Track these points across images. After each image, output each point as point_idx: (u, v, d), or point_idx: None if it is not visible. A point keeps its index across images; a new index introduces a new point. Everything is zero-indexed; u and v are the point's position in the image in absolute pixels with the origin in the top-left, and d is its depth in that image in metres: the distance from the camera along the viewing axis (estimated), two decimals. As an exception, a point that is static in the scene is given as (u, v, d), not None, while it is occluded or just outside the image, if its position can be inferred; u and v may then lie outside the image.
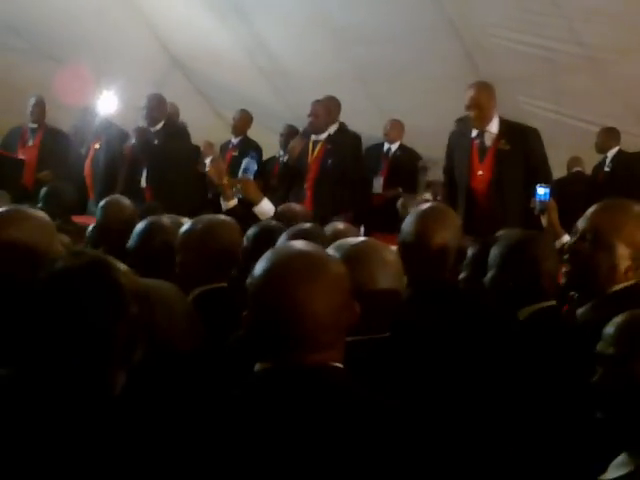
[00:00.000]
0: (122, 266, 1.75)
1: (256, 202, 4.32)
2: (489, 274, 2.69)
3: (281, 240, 2.66)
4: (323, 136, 6.31)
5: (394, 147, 7.40)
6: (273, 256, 1.64)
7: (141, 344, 1.71)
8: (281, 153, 7.40)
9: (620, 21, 6.53)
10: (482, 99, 5.09)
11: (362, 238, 2.21)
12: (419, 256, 2.56)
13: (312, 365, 1.57)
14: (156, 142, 6.59)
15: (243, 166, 7.12)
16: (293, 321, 1.56)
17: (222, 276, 2.80)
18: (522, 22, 6.89)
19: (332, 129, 6.38)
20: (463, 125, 5.49)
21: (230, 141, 7.65)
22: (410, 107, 7.56)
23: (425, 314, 2.33)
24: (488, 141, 5.17)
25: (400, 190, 7.07)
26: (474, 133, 5.19)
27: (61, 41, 8.22)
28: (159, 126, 6.69)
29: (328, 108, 6.27)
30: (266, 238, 3.04)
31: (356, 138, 6.45)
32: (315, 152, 6.29)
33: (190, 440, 1.53)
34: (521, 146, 5.10)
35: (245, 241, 3.15)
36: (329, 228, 3.49)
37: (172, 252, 2.91)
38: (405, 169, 7.28)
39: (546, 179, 4.88)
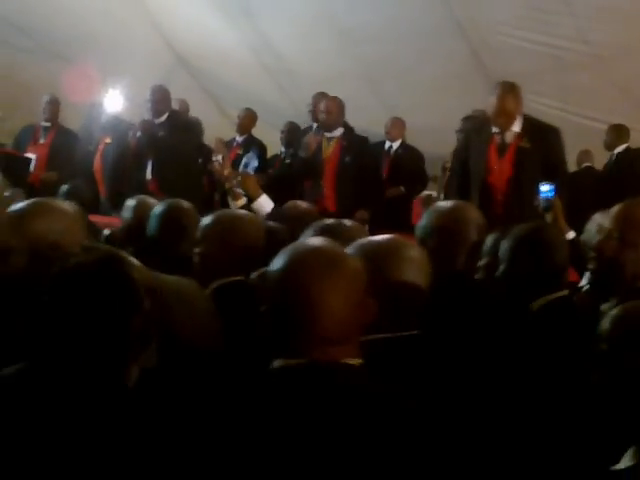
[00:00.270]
0: (135, 261, 1.76)
1: (254, 198, 4.30)
2: (500, 268, 2.69)
3: (306, 235, 2.65)
4: (337, 133, 6.30)
5: (395, 145, 7.39)
6: (289, 252, 1.64)
7: (156, 339, 1.72)
8: (282, 150, 7.43)
9: (627, 19, 6.55)
10: (509, 106, 4.92)
11: (389, 236, 2.20)
12: (440, 253, 2.55)
13: (325, 362, 1.57)
14: (161, 134, 6.61)
15: (244, 161, 7.18)
16: (307, 317, 1.57)
17: (241, 270, 2.80)
18: (529, 20, 6.90)
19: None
20: (479, 120, 5.39)
21: (234, 139, 7.63)
22: (416, 105, 7.57)
23: (450, 311, 2.33)
24: (509, 138, 5.04)
25: (402, 188, 7.08)
26: (495, 129, 5.06)
27: (67, 40, 8.25)
28: (163, 118, 6.70)
29: (341, 106, 6.28)
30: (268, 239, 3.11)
31: (365, 137, 6.49)
32: (330, 149, 6.29)
33: (203, 436, 1.53)
34: (541, 145, 4.99)
35: None
36: None
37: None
38: (407, 167, 7.27)
39: (562, 180, 4.84)
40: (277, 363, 1.60)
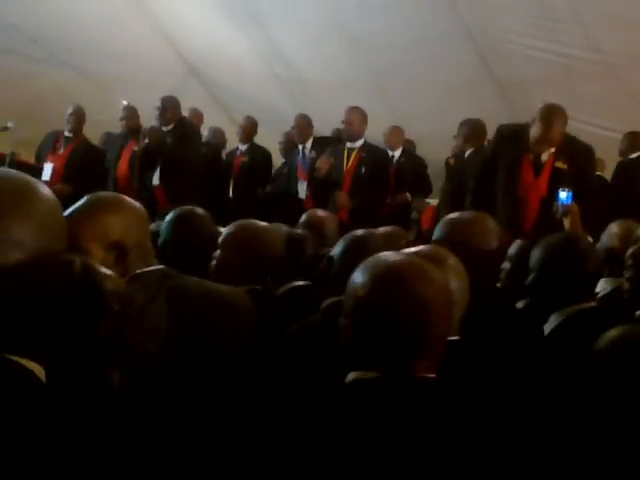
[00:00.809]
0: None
1: None
2: (531, 276, 2.71)
3: (339, 248, 2.66)
4: (358, 144, 6.31)
5: (397, 154, 7.39)
6: (382, 264, 1.66)
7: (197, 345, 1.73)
8: (282, 161, 7.47)
9: (636, 27, 6.54)
10: (555, 135, 4.74)
11: (429, 246, 2.25)
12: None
13: (422, 377, 1.59)
14: (168, 140, 6.65)
15: None
16: (417, 330, 1.59)
17: (257, 280, 2.84)
18: (539, 28, 6.91)
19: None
20: (513, 129, 5.16)
21: (238, 148, 7.65)
22: (426, 113, 7.60)
23: (481, 320, 2.35)
24: (544, 156, 4.87)
25: (408, 195, 7.09)
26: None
27: (79, 49, 8.28)
28: (171, 126, 6.76)
29: (363, 116, 6.28)
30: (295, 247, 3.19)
31: (383, 150, 6.49)
32: (350, 160, 6.29)
33: (285, 448, 1.54)
34: (576, 166, 4.84)
35: None
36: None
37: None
38: (409, 175, 7.27)
39: (585, 189, 4.75)
40: (364, 375, 1.61)
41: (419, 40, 7.38)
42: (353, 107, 6.32)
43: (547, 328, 2.63)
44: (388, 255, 1.73)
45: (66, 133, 7.26)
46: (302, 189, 6.80)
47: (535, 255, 2.73)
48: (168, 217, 3.36)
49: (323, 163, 6.27)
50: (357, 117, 6.26)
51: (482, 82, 7.59)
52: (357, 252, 2.34)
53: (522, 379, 2.26)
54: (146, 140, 6.69)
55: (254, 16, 7.85)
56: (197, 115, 7.80)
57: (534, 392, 2.24)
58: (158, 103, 6.76)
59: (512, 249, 3.14)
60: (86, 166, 7.05)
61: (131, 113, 7.15)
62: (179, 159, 6.60)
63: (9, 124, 6.95)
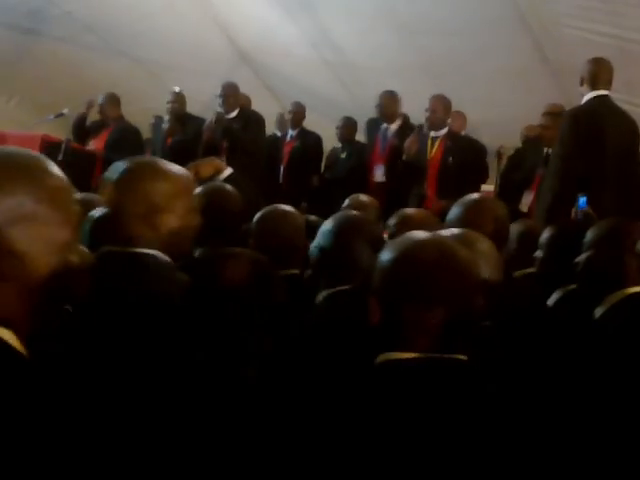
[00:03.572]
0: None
1: None
2: (584, 255, 2.68)
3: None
4: (442, 132, 6.23)
5: (459, 139, 7.30)
6: (410, 241, 1.66)
7: None
8: (339, 145, 7.43)
9: (697, 9, 6.38)
10: None
11: (461, 230, 2.24)
12: None
13: (442, 358, 1.57)
14: (235, 126, 6.68)
15: None
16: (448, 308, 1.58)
17: (295, 263, 2.87)
18: (594, 11, 6.76)
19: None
20: None
21: (288, 133, 7.65)
22: (478, 98, 7.50)
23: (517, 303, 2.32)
24: None
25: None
26: None
27: (131, 37, 8.38)
28: (234, 113, 6.81)
29: (447, 104, 6.19)
30: None
31: (471, 139, 6.40)
32: (434, 149, 6.21)
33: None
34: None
35: None
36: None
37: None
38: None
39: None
40: (385, 357, 1.59)
41: (471, 25, 7.28)
42: (437, 95, 6.23)
43: (598, 312, 2.60)
44: (417, 234, 1.71)
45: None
46: (379, 173, 6.72)
47: (591, 234, 2.71)
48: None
49: (412, 142, 6.16)
50: (441, 105, 6.16)
51: (536, 67, 7.46)
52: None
53: (575, 364, 2.23)
54: (213, 121, 6.70)
55: (304, 2, 7.84)
56: (246, 101, 7.81)
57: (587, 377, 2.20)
58: (212, 90, 6.81)
59: (544, 237, 3.13)
60: (122, 142, 7.15)
61: (179, 98, 7.20)
62: (246, 146, 6.63)
63: (64, 111, 7.07)
